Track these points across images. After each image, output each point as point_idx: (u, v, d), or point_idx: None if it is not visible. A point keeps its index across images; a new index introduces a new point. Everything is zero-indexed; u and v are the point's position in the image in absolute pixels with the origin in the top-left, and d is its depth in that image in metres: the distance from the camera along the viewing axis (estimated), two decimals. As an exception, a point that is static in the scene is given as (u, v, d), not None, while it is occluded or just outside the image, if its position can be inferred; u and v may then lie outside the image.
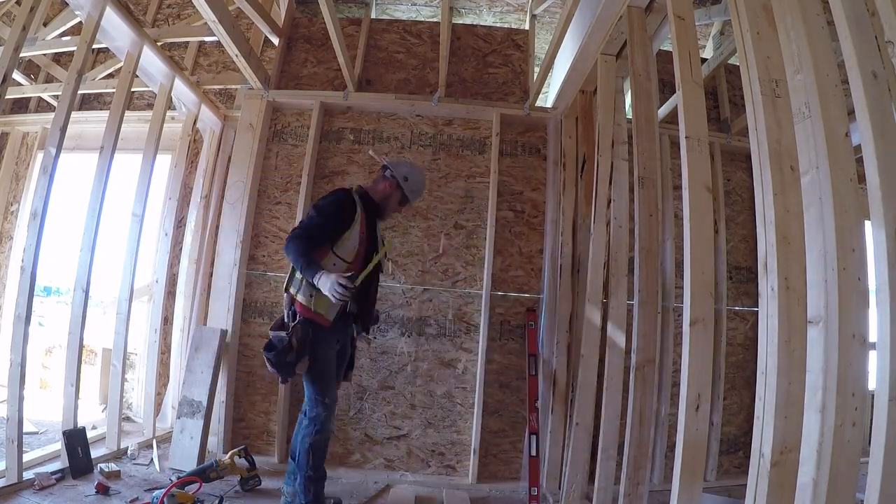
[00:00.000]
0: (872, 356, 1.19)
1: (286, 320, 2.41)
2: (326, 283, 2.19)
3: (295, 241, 2.30)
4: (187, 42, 4.30)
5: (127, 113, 3.05)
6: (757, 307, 1.58)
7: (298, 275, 2.36)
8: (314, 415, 2.40)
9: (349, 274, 2.29)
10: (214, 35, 3.06)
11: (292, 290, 2.41)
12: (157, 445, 3.24)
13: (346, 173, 3.61)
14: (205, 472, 2.68)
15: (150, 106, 4.00)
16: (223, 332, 3.26)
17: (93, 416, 3.67)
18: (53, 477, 2.54)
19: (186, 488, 2.49)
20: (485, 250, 3.44)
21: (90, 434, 2.92)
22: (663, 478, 3.24)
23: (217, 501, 2.48)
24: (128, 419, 3.71)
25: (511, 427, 3.36)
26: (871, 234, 1.19)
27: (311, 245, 2.30)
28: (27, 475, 2.48)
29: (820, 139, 1.27)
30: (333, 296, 2.18)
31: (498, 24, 4.42)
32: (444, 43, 3.74)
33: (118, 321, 3.15)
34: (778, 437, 1.29)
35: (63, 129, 2.55)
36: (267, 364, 2.32)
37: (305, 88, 3.75)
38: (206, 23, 3.02)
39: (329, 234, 2.36)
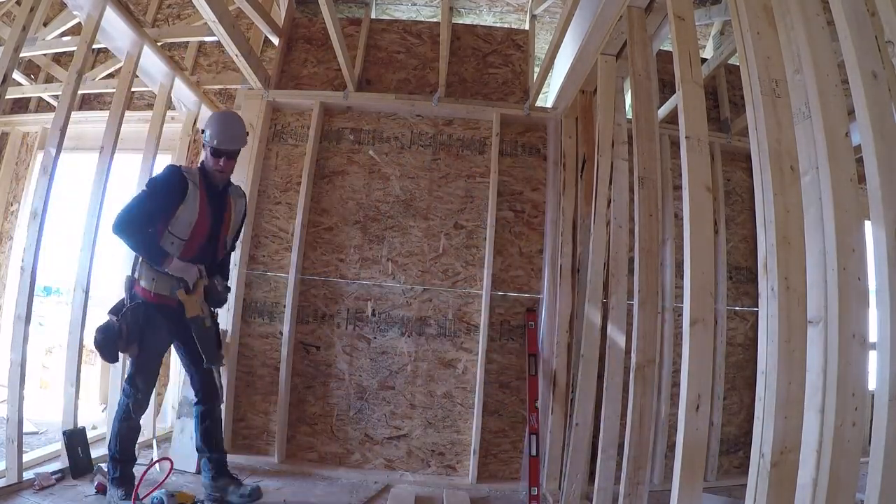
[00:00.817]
0: (872, 356, 1.19)
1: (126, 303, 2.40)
2: (187, 273, 2.37)
3: (127, 229, 2.32)
4: (187, 42, 4.30)
5: (127, 113, 3.05)
6: (757, 307, 1.58)
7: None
8: (121, 400, 2.39)
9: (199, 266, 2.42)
10: (214, 35, 3.06)
11: (135, 274, 2.42)
12: (157, 445, 3.24)
13: (346, 173, 3.61)
14: None
15: (150, 106, 3.99)
16: (223, 333, 3.26)
17: (93, 416, 3.67)
18: (53, 477, 2.54)
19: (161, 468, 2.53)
20: (485, 250, 3.44)
21: (90, 434, 2.92)
22: (663, 478, 3.24)
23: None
24: (128, 419, 3.70)
25: (511, 427, 3.36)
26: (871, 234, 1.19)
27: (143, 229, 2.34)
28: (27, 475, 2.48)
29: (820, 139, 1.27)
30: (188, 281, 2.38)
31: (498, 24, 4.42)
32: (444, 43, 3.74)
33: (118, 321, 3.14)
34: (778, 437, 1.29)
35: (63, 129, 2.55)
36: (93, 343, 2.33)
37: (305, 88, 3.75)
38: (206, 23, 3.02)
39: (157, 214, 2.37)
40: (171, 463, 2.56)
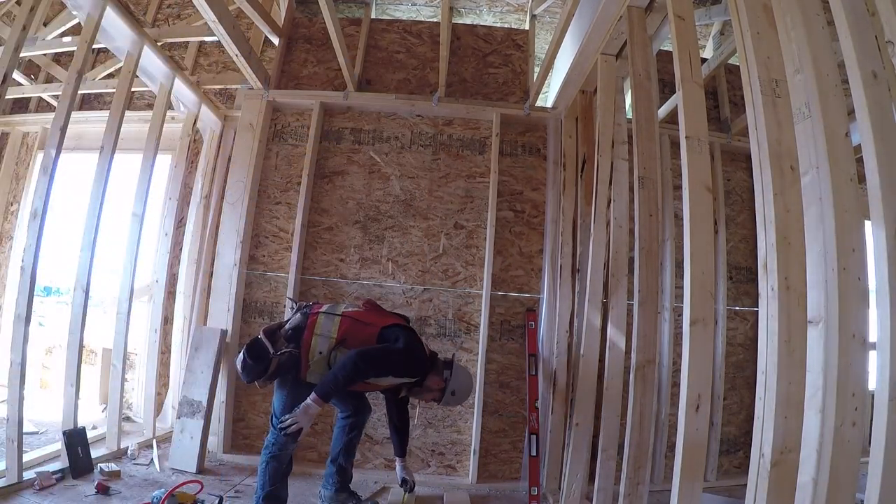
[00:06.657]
0: (872, 356, 1.19)
1: (282, 333, 2.39)
2: (302, 409, 2.16)
3: (357, 364, 2.21)
4: (187, 42, 4.30)
5: (127, 113, 3.04)
6: (757, 307, 1.58)
7: (325, 349, 2.32)
8: (270, 441, 2.35)
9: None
10: (214, 35, 3.06)
11: (316, 345, 2.33)
12: (158, 445, 3.24)
13: (346, 173, 3.61)
14: None
15: (150, 106, 3.99)
16: (223, 333, 3.26)
17: (93, 416, 3.67)
18: (54, 477, 2.54)
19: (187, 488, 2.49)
20: (485, 250, 3.44)
21: (90, 434, 2.92)
22: (663, 478, 3.24)
23: (217, 501, 2.48)
24: (128, 419, 3.70)
25: (511, 427, 3.36)
26: (871, 234, 1.19)
27: (357, 378, 2.25)
28: (27, 475, 2.48)
29: (820, 139, 1.27)
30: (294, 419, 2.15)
31: (498, 24, 4.42)
32: (444, 43, 3.74)
33: (118, 321, 3.15)
34: (778, 437, 1.29)
35: (63, 129, 2.55)
36: (238, 363, 2.33)
37: (305, 88, 3.75)
38: (206, 23, 3.02)
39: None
40: (202, 485, 2.53)
